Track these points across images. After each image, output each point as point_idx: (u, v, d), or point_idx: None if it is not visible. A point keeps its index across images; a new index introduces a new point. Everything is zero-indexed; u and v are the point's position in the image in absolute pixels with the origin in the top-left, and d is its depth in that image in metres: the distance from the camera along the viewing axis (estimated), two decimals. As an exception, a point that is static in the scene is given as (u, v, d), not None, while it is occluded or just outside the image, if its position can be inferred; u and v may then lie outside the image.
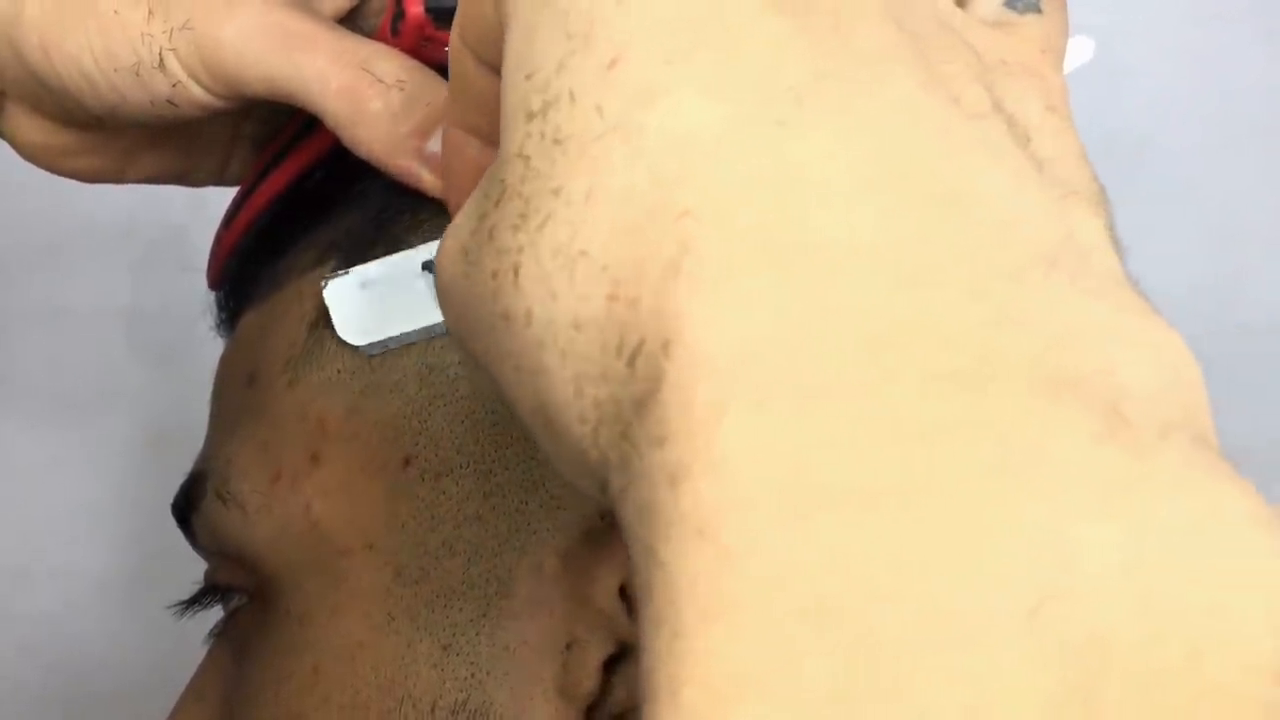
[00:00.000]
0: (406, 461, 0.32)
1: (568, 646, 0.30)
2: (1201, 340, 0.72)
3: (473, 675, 0.30)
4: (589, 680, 0.30)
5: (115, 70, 0.33)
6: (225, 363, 0.38)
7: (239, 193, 0.39)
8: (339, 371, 0.33)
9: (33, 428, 0.66)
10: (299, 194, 0.37)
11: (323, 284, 0.33)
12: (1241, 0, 0.68)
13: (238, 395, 0.36)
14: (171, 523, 0.36)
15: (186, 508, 0.35)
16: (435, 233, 0.33)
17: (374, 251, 0.34)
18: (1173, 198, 0.68)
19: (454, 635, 0.30)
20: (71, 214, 0.65)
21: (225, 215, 0.40)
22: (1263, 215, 0.69)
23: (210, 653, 0.37)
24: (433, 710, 0.30)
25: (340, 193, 0.36)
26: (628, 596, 0.30)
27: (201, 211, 0.65)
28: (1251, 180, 0.69)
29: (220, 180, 0.41)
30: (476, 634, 0.30)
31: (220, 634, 0.37)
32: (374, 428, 0.32)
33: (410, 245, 0.33)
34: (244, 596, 0.35)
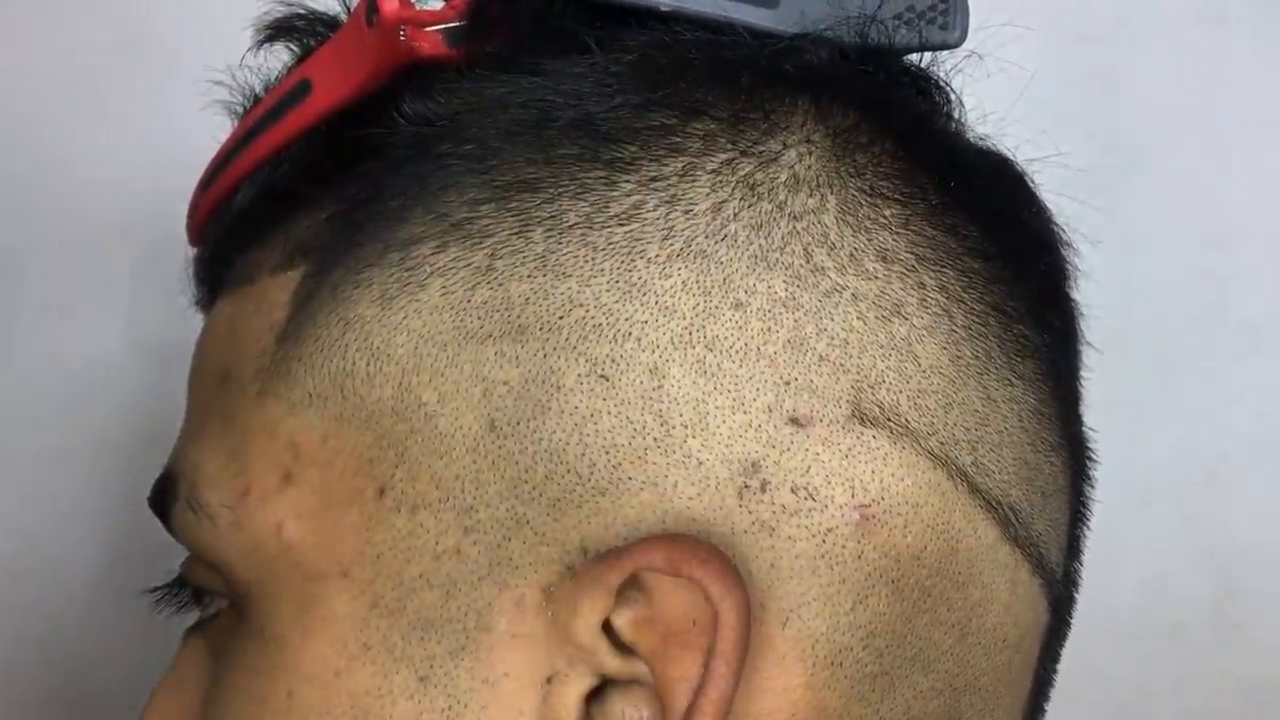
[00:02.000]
0: (381, 492, 0.31)
1: (548, 680, 0.30)
2: (1201, 339, 0.72)
3: (450, 707, 0.30)
4: (569, 713, 0.30)
5: None
6: (201, 351, 0.37)
7: (220, 152, 0.38)
8: (310, 395, 0.32)
9: (33, 427, 0.66)
10: (275, 174, 0.36)
11: None
12: (1240, 3, 0.68)
13: (210, 392, 0.35)
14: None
15: (162, 504, 0.35)
16: (399, 226, 0.33)
17: (333, 275, 0.33)
18: (1173, 198, 0.68)
19: (431, 667, 0.30)
20: (71, 214, 0.65)
21: (203, 176, 0.39)
22: (1262, 216, 0.69)
23: (188, 643, 0.37)
24: None
25: (313, 178, 0.35)
26: (610, 631, 0.30)
27: (202, 211, 0.65)
28: (1250, 181, 0.69)
29: None
30: (455, 666, 0.30)
31: (198, 629, 0.37)
32: (349, 456, 0.32)
33: (381, 244, 0.33)
34: (223, 600, 0.35)
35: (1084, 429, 0.37)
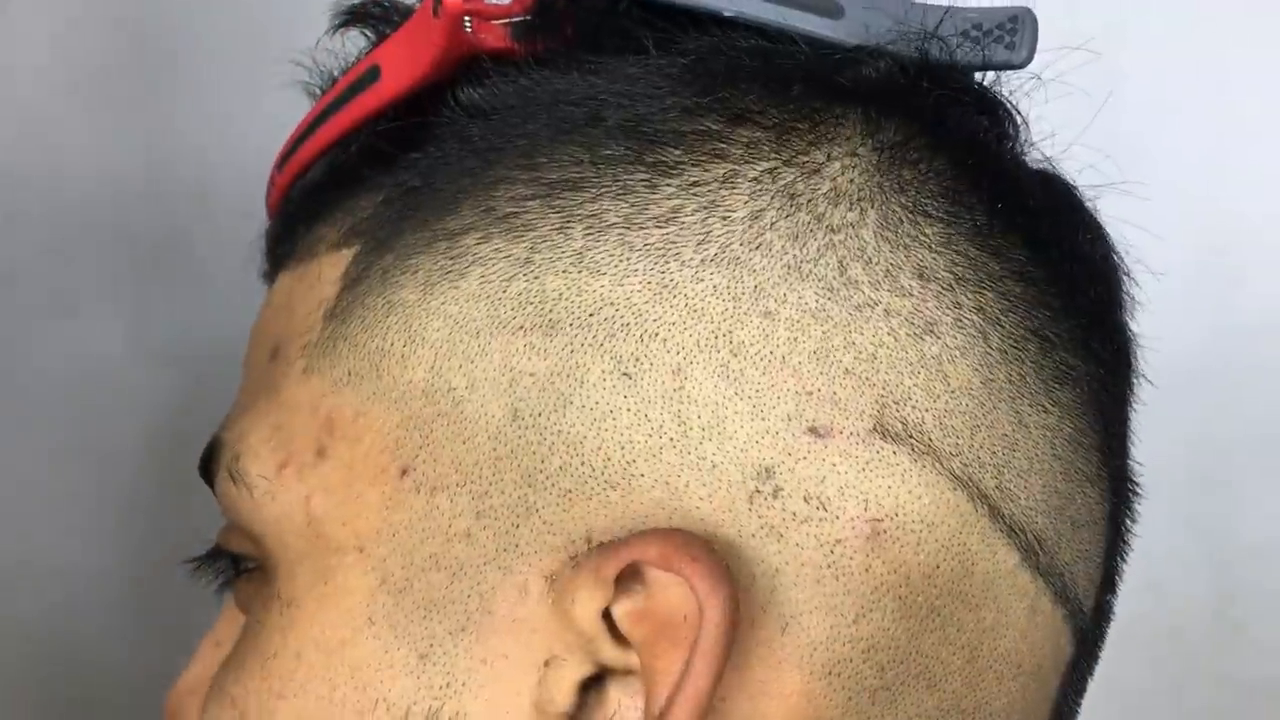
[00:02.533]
0: (404, 472, 0.32)
1: (545, 663, 0.30)
2: (1201, 341, 0.72)
3: (448, 685, 0.31)
4: (563, 698, 0.30)
5: None
6: (258, 324, 0.38)
7: (295, 132, 0.39)
8: (349, 374, 0.33)
9: (33, 427, 0.67)
10: (342, 155, 0.37)
11: None
12: (1240, 2, 0.69)
13: (261, 366, 0.36)
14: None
15: (208, 471, 0.36)
16: (449, 216, 0.33)
17: (384, 259, 0.34)
18: (1172, 199, 0.68)
19: (431, 645, 0.31)
20: (72, 214, 0.65)
21: (279, 155, 0.39)
22: (1261, 216, 0.69)
23: (226, 603, 0.38)
24: (406, 715, 0.31)
25: (375, 161, 0.36)
26: (609, 620, 0.30)
27: (203, 211, 0.65)
28: (1250, 182, 0.69)
29: None
30: (454, 646, 0.31)
31: (231, 589, 0.38)
32: (377, 434, 0.32)
33: (430, 232, 0.33)
34: (254, 563, 0.36)
35: (1129, 462, 0.37)
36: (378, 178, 0.35)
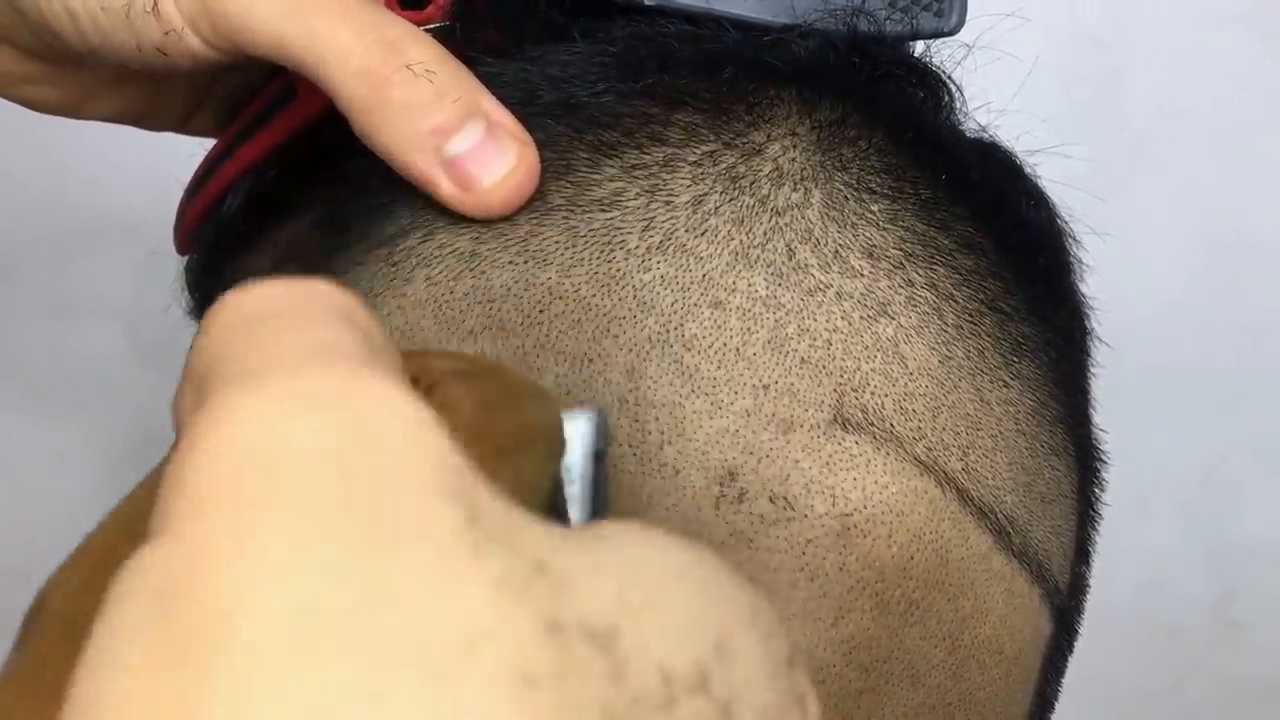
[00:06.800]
0: None
1: None
2: (1201, 340, 0.72)
3: None
4: None
5: (102, 9, 0.31)
6: (187, 366, 0.37)
7: (206, 160, 0.38)
8: None
9: (34, 427, 0.66)
10: (262, 179, 0.35)
11: None
12: (1242, 2, 0.68)
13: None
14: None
15: None
16: (386, 221, 0.32)
17: (330, 264, 0.32)
18: (1172, 199, 0.68)
19: None
20: (72, 214, 0.65)
21: (190, 183, 0.38)
22: (1262, 216, 0.69)
23: None
24: None
25: (304, 182, 0.34)
26: None
27: (202, 211, 0.65)
28: (1251, 181, 0.69)
29: (182, 129, 0.40)
30: None
31: None
32: None
33: (367, 242, 0.32)
34: None
35: (1093, 429, 0.36)
36: (304, 199, 0.34)
